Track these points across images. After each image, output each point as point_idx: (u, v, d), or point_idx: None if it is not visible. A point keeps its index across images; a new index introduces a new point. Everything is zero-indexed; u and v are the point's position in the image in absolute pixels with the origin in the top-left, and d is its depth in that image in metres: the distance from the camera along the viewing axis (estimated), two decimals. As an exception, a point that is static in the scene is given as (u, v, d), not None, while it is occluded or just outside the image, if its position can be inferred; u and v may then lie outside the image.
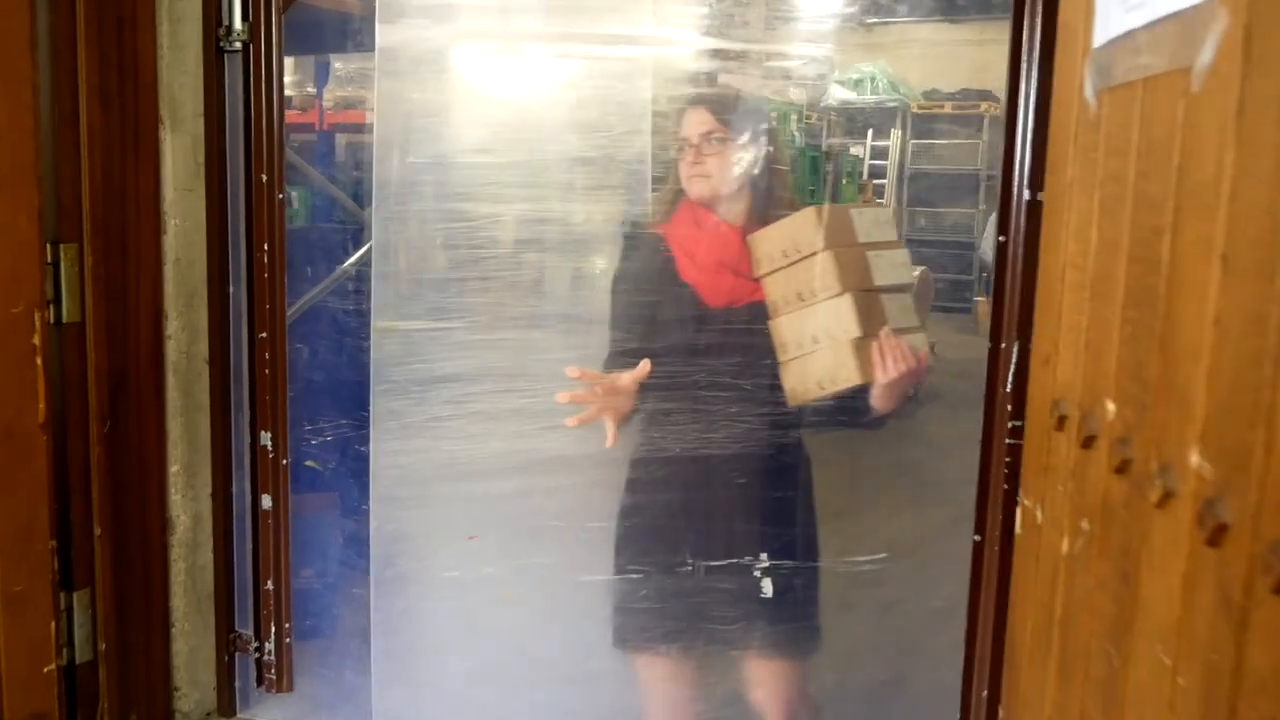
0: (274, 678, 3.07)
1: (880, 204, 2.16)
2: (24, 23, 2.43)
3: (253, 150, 2.88)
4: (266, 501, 2.99)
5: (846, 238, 2.12)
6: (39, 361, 2.52)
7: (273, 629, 3.04)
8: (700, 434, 2.35)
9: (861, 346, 2.09)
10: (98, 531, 2.71)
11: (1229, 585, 0.91)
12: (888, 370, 2.08)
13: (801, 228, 2.14)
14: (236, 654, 3.10)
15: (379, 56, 2.75)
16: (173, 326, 2.89)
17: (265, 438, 2.96)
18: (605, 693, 2.57)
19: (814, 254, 2.10)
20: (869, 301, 2.08)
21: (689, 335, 2.22)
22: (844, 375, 2.10)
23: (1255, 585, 0.87)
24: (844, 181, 3.55)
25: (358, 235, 3.52)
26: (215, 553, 3.05)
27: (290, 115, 3.95)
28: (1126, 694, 1.13)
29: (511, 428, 2.53)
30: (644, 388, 2.28)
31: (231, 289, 2.95)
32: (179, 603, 3.00)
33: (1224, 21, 0.93)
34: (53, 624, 2.61)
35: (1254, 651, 0.87)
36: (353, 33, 3.28)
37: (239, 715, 3.12)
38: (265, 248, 2.89)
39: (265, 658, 3.06)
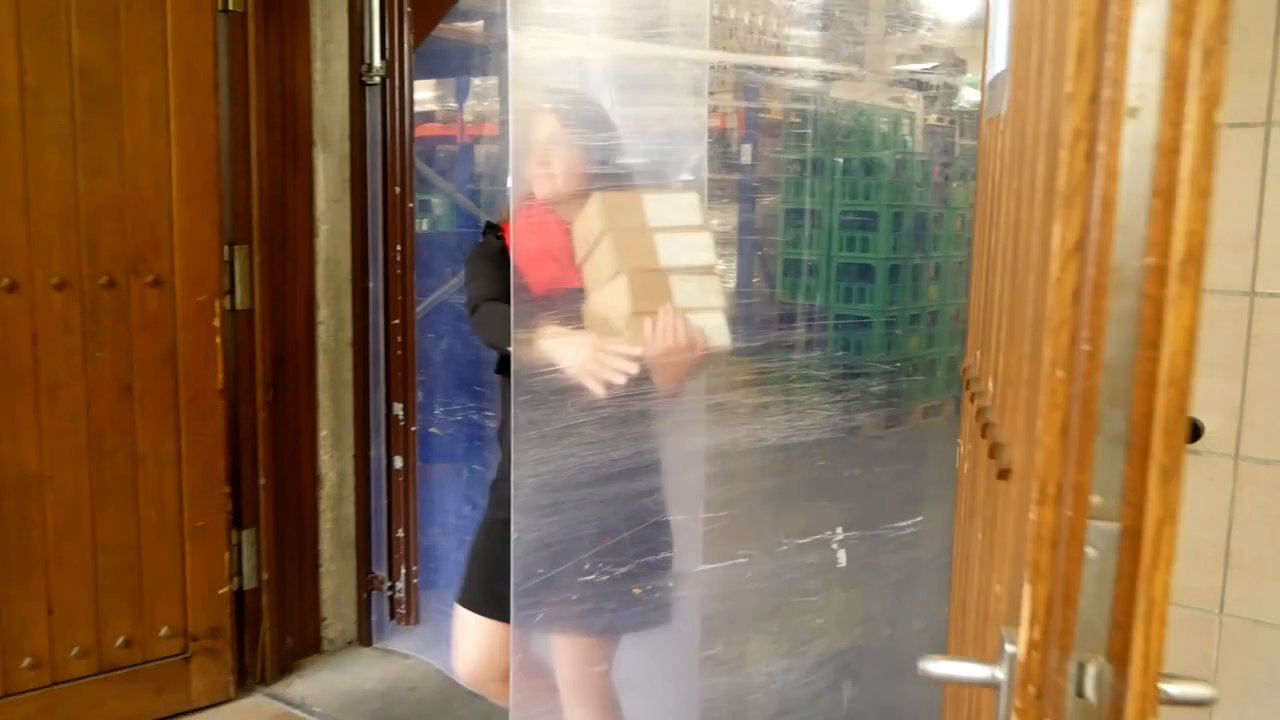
0: (403, 613, 3.61)
1: (687, 191, 2.02)
2: (208, 66, 3.03)
3: (388, 167, 3.43)
4: (398, 462, 3.54)
5: (633, 221, 2.20)
6: (218, 340, 3.12)
7: (403, 571, 3.59)
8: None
9: (633, 324, 2.13)
10: (262, 481, 3.30)
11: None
12: (654, 345, 2.10)
13: (591, 215, 2.22)
14: (373, 592, 3.66)
15: (512, 65, 3.19)
16: (323, 314, 3.47)
17: (398, 409, 3.51)
18: (722, 677, 2.79)
19: (600, 238, 2.20)
20: (650, 281, 2.15)
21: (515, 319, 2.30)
22: None
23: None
24: (955, 184, 3.65)
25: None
26: (356, 505, 3.62)
27: (434, 129, 4.53)
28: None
29: (638, 429, 2.62)
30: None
31: (371, 283, 3.51)
32: (326, 546, 3.58)
33: (1010, 85, 1.31)
34: (226, 555, 3.21)
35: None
36: (479, 58, 3.78)
37: (375, 645, 3.68)
38: (398, 248, 3.44)
39: (396, 596, 3.62)
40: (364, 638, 3.68)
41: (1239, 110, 1.71)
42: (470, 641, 2.41)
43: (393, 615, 3.65)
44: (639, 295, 2.12)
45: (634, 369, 2.06)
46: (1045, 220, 0.97)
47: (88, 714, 2.98)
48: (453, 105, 4.56)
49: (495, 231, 2.42)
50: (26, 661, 2.86)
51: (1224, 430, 1.75)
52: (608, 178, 2.30)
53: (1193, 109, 0.80)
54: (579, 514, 2.44)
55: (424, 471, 3.64)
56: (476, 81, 4.63)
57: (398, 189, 3.42)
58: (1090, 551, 0.87)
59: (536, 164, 2.28)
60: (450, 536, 3.58)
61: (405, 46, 3.38)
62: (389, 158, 3.43)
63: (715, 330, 2.16)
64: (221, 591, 3.21)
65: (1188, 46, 0.80)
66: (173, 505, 3.08)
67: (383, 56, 3.39)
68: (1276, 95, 1.69)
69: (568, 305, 2.22)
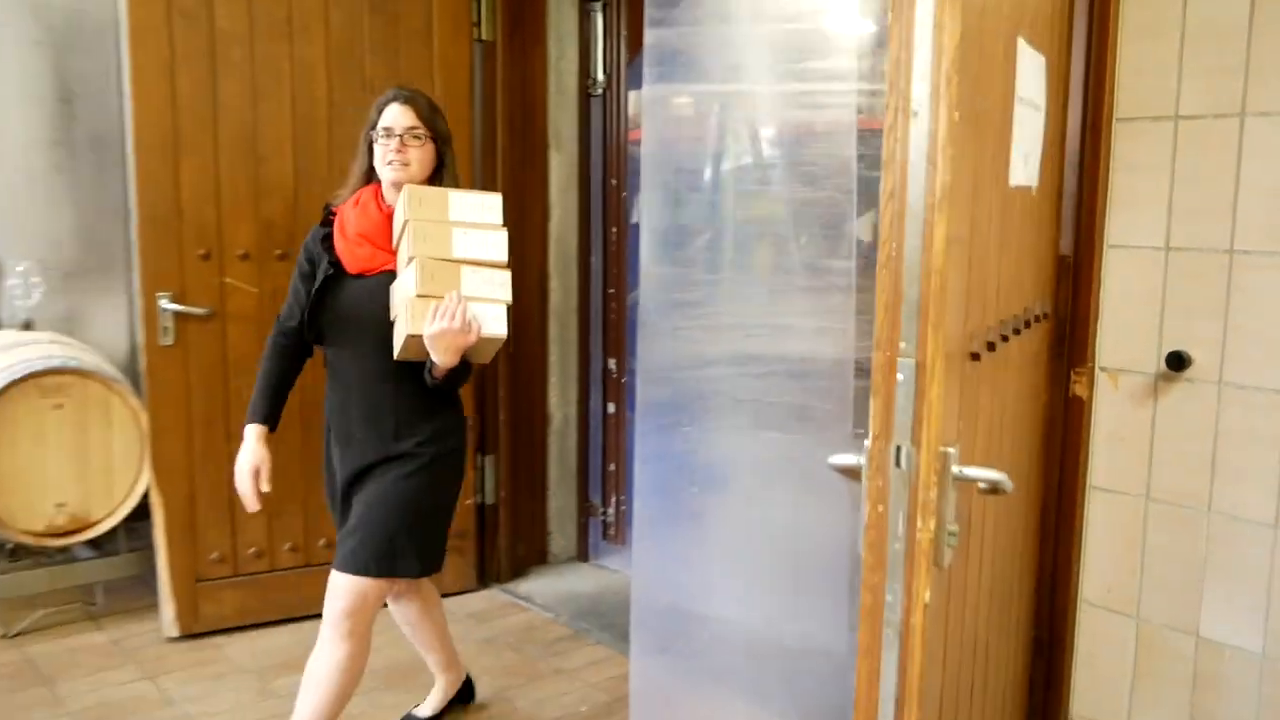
0: (613, 534, 4.34)
1: (491, 193, 2.19)
2: (464, 83, 3.84)
3: (607, 164, 4.16)
4: (610, 408, 4.27)
5: (436, 214, 2.40)
6: (468, 302, 3.94)
7: (613, 499, 4.31)
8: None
9: (417, 305, 2.33)
10: (502, 417, 4.11)
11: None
12: (431, 324, 2.31)
13: (403, 204, 2.41)
14: (590, 517, 4.41)
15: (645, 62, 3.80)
16: (553, 284, 4.24)
17: (611, 363, 4.24)
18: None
19: (405, 226, 2.40)
20: (438, 269, 2.35)
21: (331, 296, 2.54)
22: (403, 327, 2.38)
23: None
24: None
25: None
26: (577, 442, 4.38)
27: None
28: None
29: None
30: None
31: (592, 259, 4.26)
32: (553, 475, 4.36)
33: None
34: (472, 474, 4.03)
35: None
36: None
37: (590, 561, 4.42)
38: (614, 230, 4.16)
39: (607, 519, 4.35)
40: (581, 554, 4.44)
41: (1220, 104, 2.10)
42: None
43: (604, 536, 4.38)
44: (427, 280, 2.33)
45: (457, 320, 2.31)
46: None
47: (367, 587, 3.87)
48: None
49: (327, 214, 2.65)
50: (322, 543, 3.77)
51: (1209, 362, 2.14)
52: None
53: (943, 112, 1.36)
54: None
55: (631, 416, 4.35)
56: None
57: (614, 182, 4.15)
58: (900, 377, 1.43)
59: (395, 151, 2.51)
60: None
61: (621, 62, 4.10)
62: (608, 156, 4.16)
63: (493, 319, 2.39)
64: (467, 503, 4.04)
65: (940, 78, 1.36)
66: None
67: (604, 71, 4.13)
68: (1249, 91, 2.07)
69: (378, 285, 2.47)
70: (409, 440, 2.53)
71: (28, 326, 4.08)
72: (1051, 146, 2.16)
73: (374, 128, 2.56)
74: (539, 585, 4.19)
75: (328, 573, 2.62)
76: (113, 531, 3.70)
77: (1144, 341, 2.22)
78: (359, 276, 2.52)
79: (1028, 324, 1.95)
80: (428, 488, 2.56)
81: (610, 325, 4.24)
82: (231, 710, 3.14)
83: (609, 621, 3.84)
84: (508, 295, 2.43)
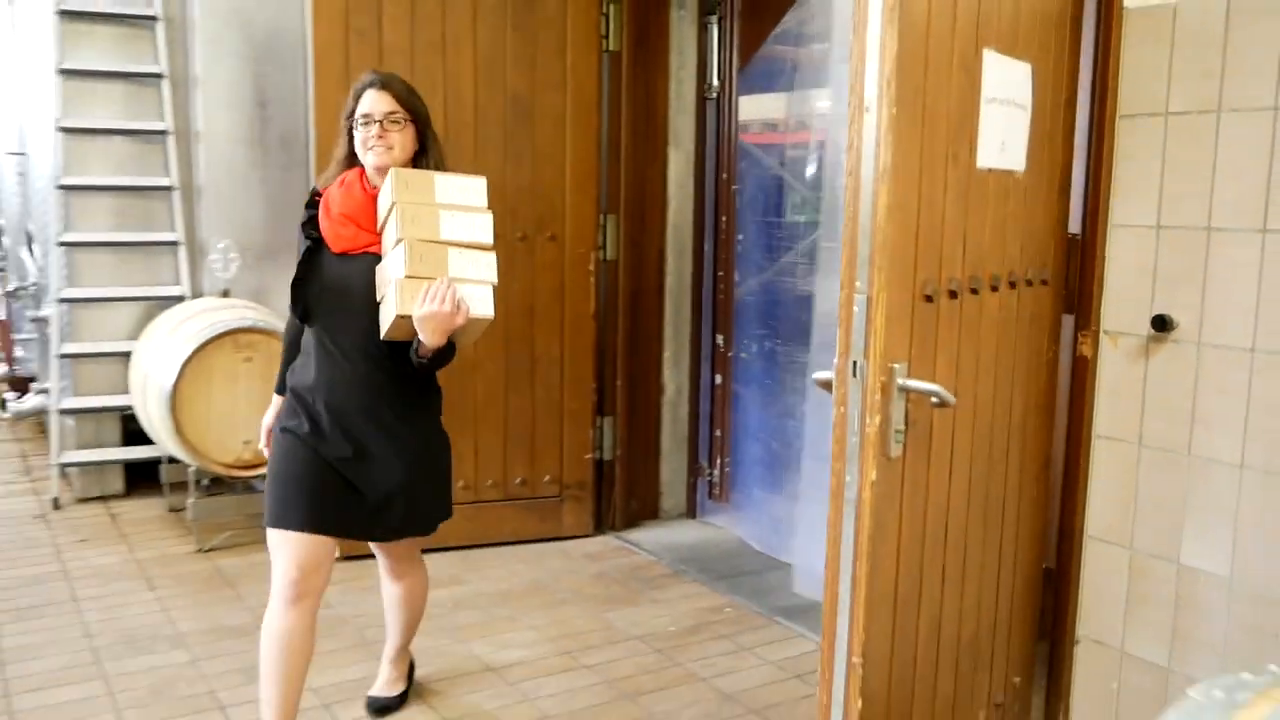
0: (718, 493, 4.83)
1: (476, 176, 2.28)
2: (593, 91, 4.39)
3: (719, 161, 4.66)
4: (718, 380, 4.75)
5: (422, 197, 2.44)
6: (592, 280, 4.49)
7: (718, 461, 4.80)
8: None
9: (406, 286, 2.37)
10: (619, 383, 4.64)
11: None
12: (420, 306, 2.36)
13: (389, 187, 2.46)
14: (698, 477, 4.91)
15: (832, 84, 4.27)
16: (670, 266, 4.76)
17: (719, 339, 4.73)
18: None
19: (391, 208, 2.44)
20: (426, 251, 2.40)
21: (315, 274, 2.59)
22: (390, 309, 2.42)
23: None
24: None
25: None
26: (689, 410, 4.88)
27: (751, 136, 5.67)
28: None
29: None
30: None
31: (705, 244, 4.75)
32: (665, 438, 4.87)
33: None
34: (591, 431, 4.58)
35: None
36: (790, 73, 4.84)
37: (697, 518, 4.92)
38: (724, 219, 4.65)
39: (713, 480, 4.84)
40: (690, 511, 4.94)
41: (1201, 102, 2.44)
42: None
43: (710, 495, 4.87)
44: (415, 261, 2.37)
45: (447, 303, 2.37)
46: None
47: (495, 527, 4.46)
48: (770, 115, 5.66)
49: (313, 197, 2.70)
50: (460, 484, 4.39)
51: (1190, 325, 2.47)
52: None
53: (886, 107, 1.81)
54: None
55: (738, 390, 4.82)
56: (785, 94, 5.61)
57: (725, 176, 4.64)
58: (856, 308, 1.88)
59: (376, 137, 2.55)
60: (751, 437, 4.74)
61: (733, 69, 4.58)
62: (720, 154, 4.66)
63: (480, 301, 2.44)
64: (586, 457, 4.59)
65: (886, 82, 1.81)
66: (556, 391, 4.49)
67: (718, 78, 4.62)
68: (1224, 91, 2.41)
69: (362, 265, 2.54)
70: (404, 413, 2.65)
71: (225, 294, 4.85)
72: (1058, 138, 2.54)
73: (351, 115, 2.61)
74: (648, 535, 4.70)
75: (483, 509, 3.19)
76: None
77: (1138, 307, 2.57)
78: (343, 256, 2.58)
79: (1013, 285, 2.35)
80: (435, 453, 2.76)
81: (719, 305, 4.73)
82: (375, 613, 3.77)
83: (706, 566, 4.33)
84: (494, 276, 2.48)
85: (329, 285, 2.58)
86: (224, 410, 4.24)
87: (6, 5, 5.88)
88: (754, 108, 4.65)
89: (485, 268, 2.46)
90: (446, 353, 2.53)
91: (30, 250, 5.54)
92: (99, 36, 4.87)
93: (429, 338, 2.43)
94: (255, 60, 4.99)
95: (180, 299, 4.80)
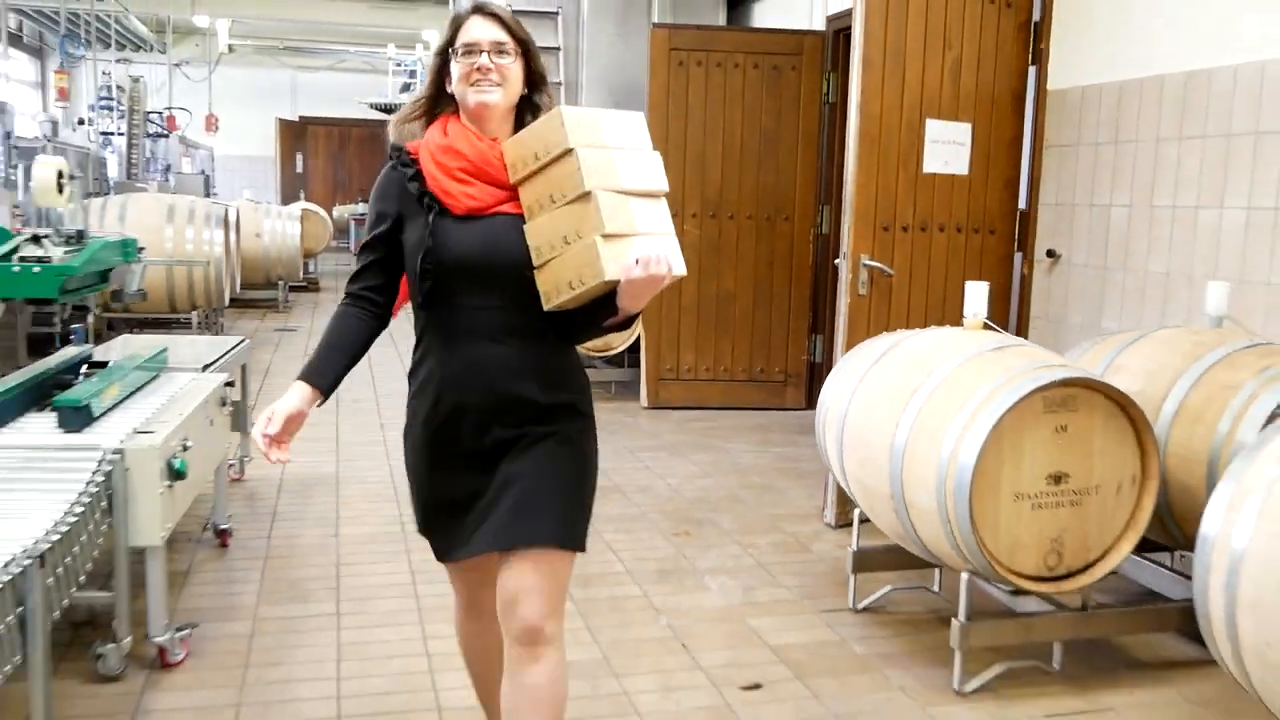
0: (891, 390, 7.30)
1: (634, 112, 2.07)
2: (815, 127, 7.03)
3: (900, 170, 7.15)
4: (894, 315, 7.24)
5: (594, 138, 2.05)
6: (811, 246, 7.12)
7: (892, 369, 7.27)
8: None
9: (607, 245, 1.98)
10: (826, 312, 7.23)
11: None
12: (639, 270, 1.96)
13: (551, 129, 2.06)
14: (880, 381, 7.40)
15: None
16: (865, 240, 7.29)
17: (895, 288, 7.22)
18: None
19: (563, 155, 2.02)
20: (617, 202, 2.01)
21: (440, 243, 2.11)
22: (590, 273, 2.00)
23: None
24: None
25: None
26: (875, 335, 7.41)
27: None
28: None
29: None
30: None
31: (889, 226, 7.25)
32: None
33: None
34: (805, 341, 7.20)
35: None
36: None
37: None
38: (901, 209, 7.13)
39: (889, 381, 7.32)
40: (874, 403, 7.44)
41: (1083, 139, 4.75)
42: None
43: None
44: (611, 216, 1.99)
45: (663, 266, 1.97)
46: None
47: (741, 397, 7.18)
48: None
49: (401, 156, 2.22)
50: (721, 368, 7.15)
51: (1066, 254, 4.77)
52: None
53: (854, 144, 4.43)
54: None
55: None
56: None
57: (903, 180, 7.12)
58: (843, 232, 4.50)
59: (482, 71, 2.11)
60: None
61: (912, 112, 7.05)
62: (901, 165, 7.14)
63: (677, 258, 2.04)
64: (803, 358, 7.22)
65: (856, 137, 4.43)
66: (784, 315, 7.16)
67: (901, 117, 7.11)
68: (1086, 136, 4.71)
69: (501, 228, 2.11)
70: (557, 401, 2.18)
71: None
72: (1005, 158, 4.93)
73: (451, 45, 2.17)
74: (842, 412, 7.27)
75: (733, 385, 5.99)
76: (619, 355, 7.37)
77: (1043, 246, 4.89)
78: (468, 218, 2.13)
79: (959, 230, 4.78)
80: (584, 456, 2.24)
81: (897, 266, 7.21)
82: (666, 433, 6.60)
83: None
84: (672, 226, 2.12)
85: (462, 253, 2.12)
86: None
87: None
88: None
89: (664, 219, 2.09)
90: (635, 316, 2.14)
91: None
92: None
93: (634, 303, 2.05)
94: (617, 104, 8.00)
95: (564, 254, 7.92)
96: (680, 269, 2.02)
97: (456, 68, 2.15)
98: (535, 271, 2.09)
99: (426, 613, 3.62)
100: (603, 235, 1.98)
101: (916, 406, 3.16)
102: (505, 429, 2.15)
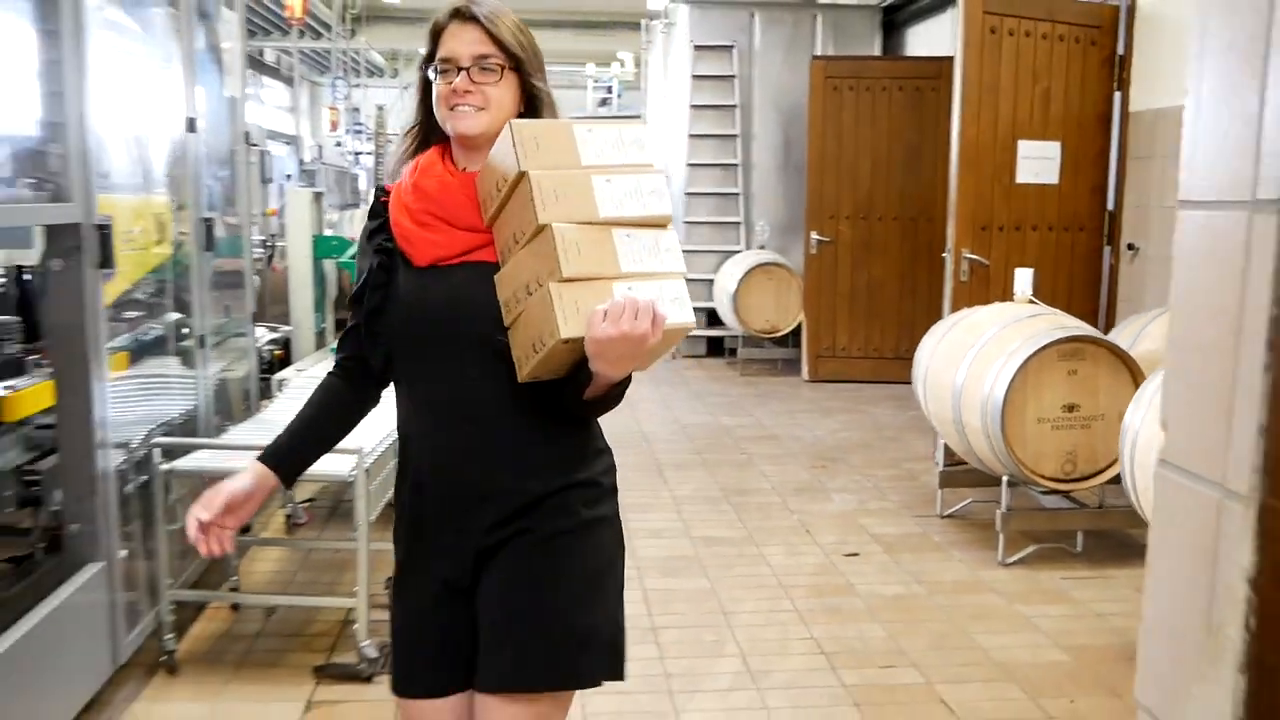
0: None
1: (634, 118, 1.26)
2: (946, 141, 8.17)
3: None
4: (1025, 301, 8.30)
5: (560, 158, 1.59)
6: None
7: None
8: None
9: (568, 293, 1.52)
10: (965, 300, 8.35)
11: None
12: (602, 328, 1.50)
13: (505, 150, 1.59)
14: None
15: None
16: (1000, 236, 8.38)
17: (1027, 277, 8.27)
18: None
19: (518, 181, 1.57)
20: (585, 238, 1.55)
21: (397, 299, 1.71)
22: (548, 331, 1.54)
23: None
24: None
25: None
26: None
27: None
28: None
29: None
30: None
31: (1021, 224, 8.32)
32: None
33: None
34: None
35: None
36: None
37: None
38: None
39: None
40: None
41: (1159, 151, 5.76)
42: None
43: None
44: (573, 256, 1.53)
45: (642, 319, 1.50)
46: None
47: (884, 372, 8.38)
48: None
49: (377, 198, 1.82)
50: (871, 346, 8.37)
51: (1144, 248, 5.78)
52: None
53: (958, 167, 5.66)
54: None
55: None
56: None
57: (1033, 184, 8.18)
58: (949, 230, 5.73)
59: (460, 92, 1.67)
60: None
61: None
62: (1031, 171, 8.19)
63: (674, 302, 1.57)
64: (943, 339, 8.37)
65: (958, 157, 5.65)
66: (925, 301, 8.31)
67: (1032, 128, 8.17)
68: (1166, 151, 5.72)
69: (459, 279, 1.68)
70: (552, 486, 1.70)
71: (761, 249, 9.25)
72: (1092, 169, 6.00)
73: (431, 61, 1.72)
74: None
75: (883, 361, 7.30)
76: (784, 336, 8.69)
77: (1126, 239, 5.93)
78: (433, 270, 1.69)
79: (1051, 229, 5.89)
80: (594, 549, 1.77)
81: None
82: (820, 400, 7.87)
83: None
84: (681, 264, 1.62)
85: (417, 314, 1.70)
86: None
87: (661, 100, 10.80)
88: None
89: (667, 253, 1.61)
90: (622, 386, 1.65)
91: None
92: (707, 116, 9.49)
93: (610, 368, 1.56)
94: (783, 123, 9.33)
95: (738, 251, 9.27)
96: (682, 318, 1.57)
97: (437, 87, 1.71)
98: (509, 332, 1.63)
99: (622, 508, 5.10)
100: (559, 280, 1.52)
101: (970, 357, 4.40)
102: (489, 531, 1.70)
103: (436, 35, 1.72)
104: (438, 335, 1.69)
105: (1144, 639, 1.19)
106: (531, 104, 1.74)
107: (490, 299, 1.64)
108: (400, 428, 1.80)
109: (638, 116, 1.62)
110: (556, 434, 1.72)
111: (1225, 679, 1.00)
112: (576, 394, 1.62)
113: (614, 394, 1.65)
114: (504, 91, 1.70)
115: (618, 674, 1.76)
